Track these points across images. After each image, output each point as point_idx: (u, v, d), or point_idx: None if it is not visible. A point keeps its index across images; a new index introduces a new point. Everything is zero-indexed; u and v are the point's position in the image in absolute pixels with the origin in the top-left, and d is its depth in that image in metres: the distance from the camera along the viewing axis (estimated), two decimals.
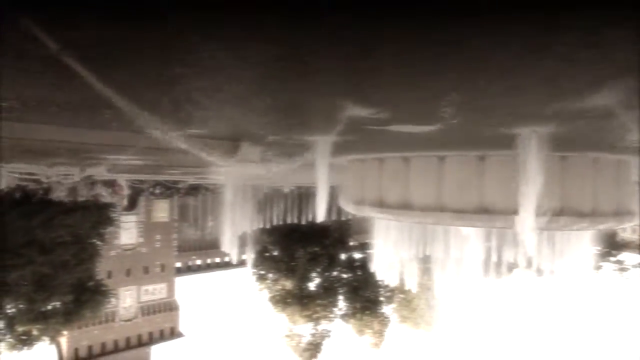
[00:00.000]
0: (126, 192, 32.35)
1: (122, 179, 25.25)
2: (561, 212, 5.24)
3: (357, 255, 33.01)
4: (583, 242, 7.35)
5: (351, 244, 33.97)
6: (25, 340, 22.84)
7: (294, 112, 3.60)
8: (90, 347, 43.10)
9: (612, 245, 30.77)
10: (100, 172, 10.71)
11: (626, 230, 30.21)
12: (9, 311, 22.36)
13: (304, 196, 28.73)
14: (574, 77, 2.36)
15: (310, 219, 28.95)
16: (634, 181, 5.98)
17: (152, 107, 2.78)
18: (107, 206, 27.55)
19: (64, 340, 39.93)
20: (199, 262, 55.56)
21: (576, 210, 5.33)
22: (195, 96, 2.91)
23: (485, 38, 1.85)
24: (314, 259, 31.03)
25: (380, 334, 32.61)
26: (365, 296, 31.53)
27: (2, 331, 22.30)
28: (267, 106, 3.31)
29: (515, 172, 4.09)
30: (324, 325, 32.04)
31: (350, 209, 7.46)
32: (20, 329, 22.42)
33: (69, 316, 23.42)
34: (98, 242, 26.24)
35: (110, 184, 27.64)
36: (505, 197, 5.12)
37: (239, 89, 2.83)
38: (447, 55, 2.07)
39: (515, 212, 4.49)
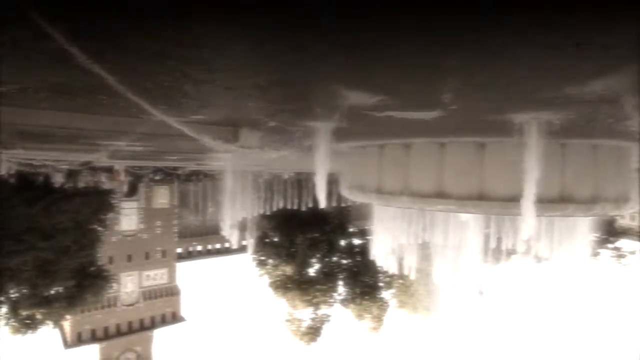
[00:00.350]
0: (123, 178, 32.36)
1: (121, 165, 25.25)
2: (560, 199, 5.26)
3: (356, 241, 33.19)
4: (581, 228, 7.38)
5: (351, 230, 34.11)
6: (29, 324, 23.17)
7: (295, 99, 3.58)
8: (93, 331, 43.74)
9: (610, 232, 30.88)
10: (100, 158, 10.70)
11: (625, 217, 30.33)
12: (12, 296, 22.60)
13: (304, 182, 28.74)
14: (573, 67, 2.35)
15: (310, 205, 29.00)
16: (633, 168, 5.98)
17: (155, 96, 2.77)
18: (107, 192, 27.60)
19: (67, 324, 40.50)
20: (199, 247, 55.91)
21: (575, 197, 5.34)
22: (195, 84, 2.89)
23: (485, 35, 1.85)
24: (314, 245, 31.20)
25: (379, 318, 33.02)
26: (364, 281, 31.82)
27: (7, 315, 22.59)
28: (268, 93, 3.29)
29: (516, 159, 4.09)
30: (323, 310, 32.44)
31: (350, 195, 7.48)
32: (24, 313, 22.70)
33: (72, 300, 23.67)
34: (99, 228, 26.32)
35: (108, 170, 27.66)
36: (505, 184, 5.14)
37: (239, 77, 2.81)
38: (448, 47, 2.06)
39: (514, 198, 4.51)
